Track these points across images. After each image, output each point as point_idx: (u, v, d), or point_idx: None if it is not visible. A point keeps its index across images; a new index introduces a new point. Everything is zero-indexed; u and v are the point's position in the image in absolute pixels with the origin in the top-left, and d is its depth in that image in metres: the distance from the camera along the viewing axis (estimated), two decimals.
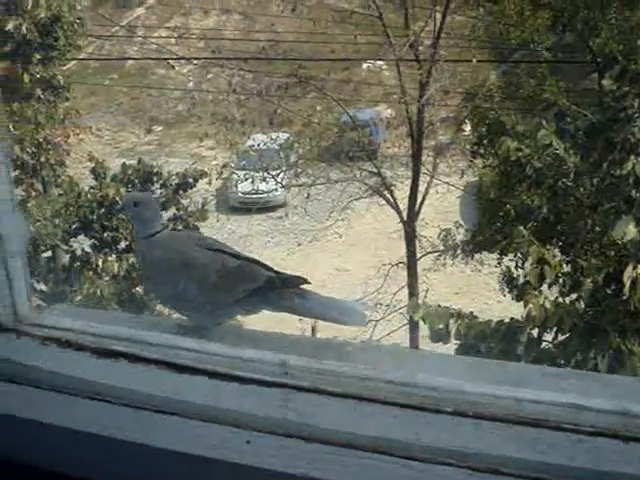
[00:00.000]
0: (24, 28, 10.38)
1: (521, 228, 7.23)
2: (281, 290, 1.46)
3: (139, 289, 9.70)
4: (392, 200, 12.99)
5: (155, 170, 10.81)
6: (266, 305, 1.49)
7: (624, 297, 6.36)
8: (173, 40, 17.78)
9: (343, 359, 1.38)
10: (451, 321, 7.61)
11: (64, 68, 12.00)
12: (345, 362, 1.35)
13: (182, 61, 18.35)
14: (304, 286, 1.48)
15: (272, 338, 1.66)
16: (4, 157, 1.30)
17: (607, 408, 1.06)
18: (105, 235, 9.86)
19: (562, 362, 7.23)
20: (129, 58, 18.77)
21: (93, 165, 10.36)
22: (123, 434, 1.01)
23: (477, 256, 12.50)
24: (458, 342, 7.72)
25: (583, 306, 7.07)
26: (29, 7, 10.48)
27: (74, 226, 10.18)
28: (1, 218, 1.27)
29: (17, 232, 1.31)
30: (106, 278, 9.53)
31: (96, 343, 1.20)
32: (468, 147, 12.27)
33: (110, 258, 9.63)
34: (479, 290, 15.34)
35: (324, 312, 1.45)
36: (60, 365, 1.13)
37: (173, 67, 19.42)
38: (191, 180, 11.17)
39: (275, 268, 1.51)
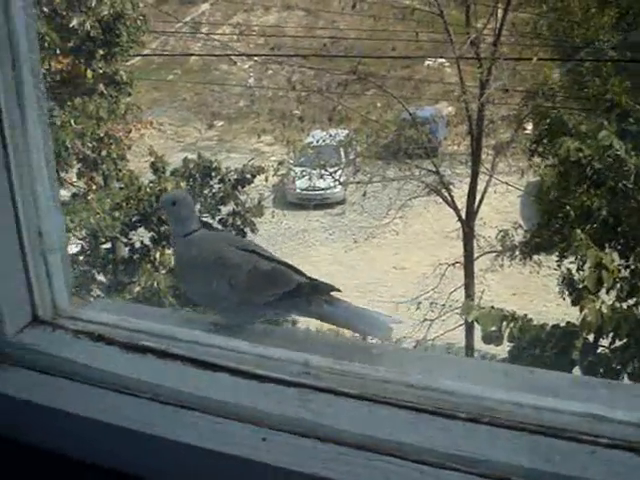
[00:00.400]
0: (88, 25, 10.62)
1: (578, 231, 7.10)
2: (310, 296, 1.47)
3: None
4: (450, 199, 12.90)
5: (214, 165, 10.94)
6: (295, 310, 1.50)
7: None
8: (235, 36, 17.94)
9: (368, 361, 1.40)
10: (504, 323, 7.53)
11: (127, 64, 12.24)
12: (369, 364, 1.38)
13: (244, 57, 18.51)
14: (335, 294, 1.49)
15: (304, 337, 1.68)
16: (49, 158, 1.35)
17: (626, 419, 1.05)
18: (163, 229, 10.02)
19: (618, 368, 7.10)
20: (192, 54, 19.02)
21: (153, 159, 10.55)
22: (148, 427, 1.05)
23: (535, 257, 12.30)
24: (511, 344, 7.64)
25: None
26: (93, 4, 10.72)
27: (134, 219, 10.37)
28: (42, 216, 1.32)
29: (57, 229, 1.37)
30: (163, 271, 9.69)
31: (127, 338, 1.24)
32: (528, 146, 12.08)
33: (167, 251, 9.79)
34: (537, 292, 15.10)
35: (351, 322, 1.45)
36: (91, 358, 1.18)
37: (235, 63, 19.61)
38: (249, 176, 11.27)
39: (307, 274, 1.52)
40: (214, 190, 10.97)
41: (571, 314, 9.92)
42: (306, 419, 1.02)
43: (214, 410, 1.05)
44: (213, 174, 10.83)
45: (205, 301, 1.60)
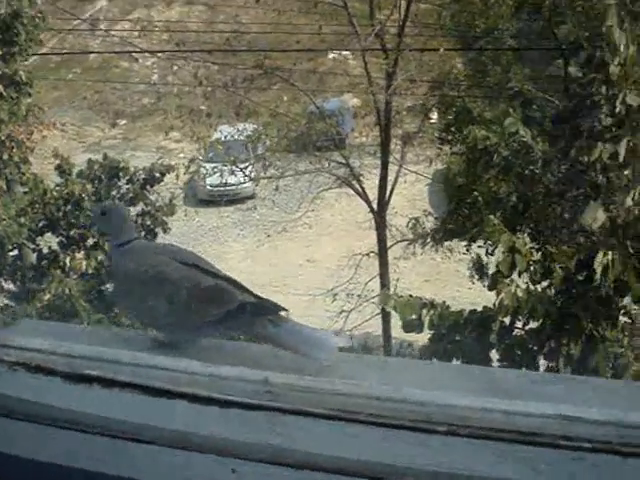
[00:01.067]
0: None
1: (492, 217, 7.25)
2: (254, 317, 1.40)
3: (108, 286, 9.57)
4: (361, 190, 12.99)
5: (121, 165, 10.66)
6: (238, 330, 1.43)
7: (595, 283, 6.40)
8: (136, 33, 17.53)
9: (323, 373, 1.35)
10: (423, 311, 7.62)
11: (26, 63, 11.78)
12: (325, 376, 1.32)
13: (145, 54, 18.13)
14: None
15: (255, 351, 1.61)
16: None
17: (601, 419, 1.03)
18: (72, 232, 9.71)
19: (535, 349, 7.28)
20: (91, 52, 18.49)
21: (58, 162, 10.19)
22: (99, 465, 0.96)
23: (447, 244, 12.54)
24: (431, 332, 7.74)
25: (554, 293, 7.12)
26: None
27: (40, 224, 10.00)
28: None
29: None
30: (74, 276, 9.39)
31: (68, 366, 1.14)
32: (436, 135, 12.29)
33: (78, 255, 9.49)
34: (449, 277, 15.43)
35: (294, 344, 1.38)
36: (31, 392, 1.07)
37: (137, 60, 19.19)
38: (158, 174, 11.04)
39: (254, 291, 1.45)
40: (122, 191, 10.69)
41: (483, 297, 10.16)
42: (277, 445, 0.95)
43: (174, 442, 0.97)
44: (120, 174, 10.56)
45: (141, 317, 1.51)
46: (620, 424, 1.04)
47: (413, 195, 17.25)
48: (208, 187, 16.45)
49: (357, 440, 0.96)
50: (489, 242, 8.57)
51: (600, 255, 6.39)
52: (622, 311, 6.96)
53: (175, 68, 17.34)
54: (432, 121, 13.78)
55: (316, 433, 0.97)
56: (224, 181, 13.89)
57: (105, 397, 1.05)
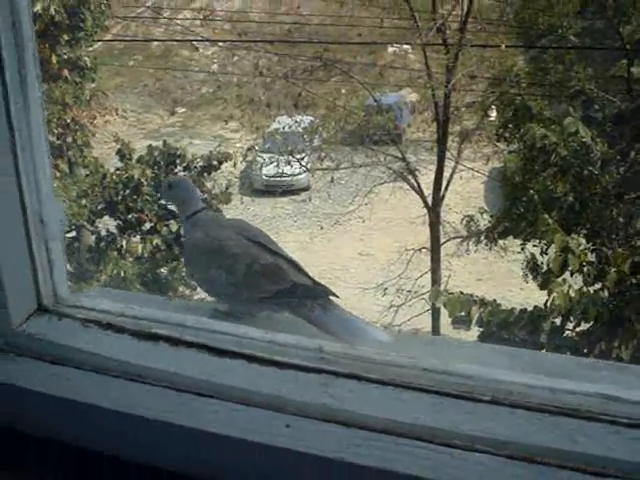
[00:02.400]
0: (52, 9, 10.42)
1: (546, 216, 7.19)
2: (304, 299, 1.44)
3: (163, 270, 9.77)
4: (416, 185, 12.96)
5: (179, 152, 10.85)
6: (289, 309, 1.47)
7: None
8: (198, 22, 17.76)
9: (377, 347, 1.40)
10: (473, 308, 7.60)
11: (90, 49, 12.06)
12: (387, 338, 1.37)
13: (206, 43, 18.34)
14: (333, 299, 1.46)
15: (307, 327, 1.67)
16: (47, 143, 1.31)
17: (635, 399, 1.07)
18: (130, 216, 9.92)
19: (585, 351, 7.21)
20: (153, 40, 18.78)
21: (119, 146, 10.42)
22: (166, 416, 1.03)
23: (501, 242, 12.43)
24: (480, 329, 7.72)
25: (607, 295, 7.03)
26: None
27: (100, 207, 10.25)
28: (43, 203, 1.29)
29: (57, 217, 1.34)
30: (130, 259, 9.60)
31: (136, 325, 1.22)
32: (494, 132, 12.18)
33: (134, 239, 9.70)
34: (502, 277, 15.28)
35: (339, 331, 1.39)
36: (101, 347, 1.15)
37: (197, 49, 19.42)
38: (215, 162, 11.20)
39: (310, 274, 1.49)
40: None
41: (535, 298, 10.06)
42: (329, 405, 1.01)
43: (234, 398, 1.04)
44: (178, 161, 10.74)
45: (204, 286, 1.58)
46: None
47: (468, 192, 17.11)
48: (264, 177, 16.57)
49: (405, 404, 1.02)
50: (543, 241, 8.50)
51: None
52: None
53: (235, 58, 17.51)
54: (491, 118, 13.66)
55: (366, 396, 1.03)
56: (280, 171, 14.00)
57: (172, 354, 1.13)
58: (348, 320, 1.44)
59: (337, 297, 1.45)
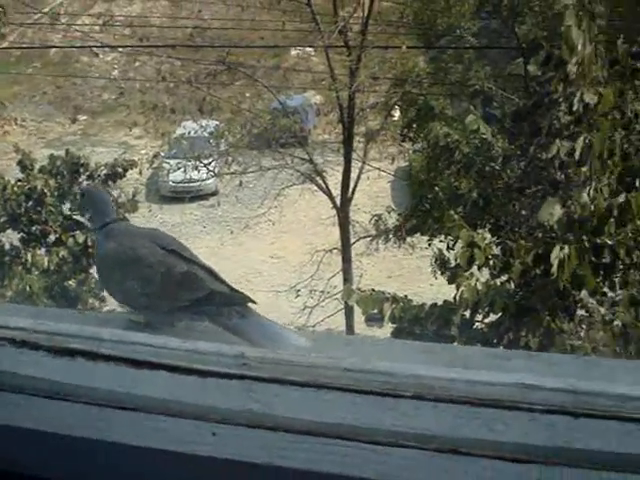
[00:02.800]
0: None
1: (451, 212, 7.37)
2: (222, 307, 1.43)
3: (71, 282, 9.52)
4: (324, 186, 13.07)
5: (83, 161, 10.59)
6: (207, 318, 1.46)
7: (552, 277, 6.55)
8: (97, 27, 17.39)
9: (293, 349, 1.41)
10: (385, 305, 7.72)
11: None
12: (305, 344, 1.39)
13: (106, 49, 17.98)
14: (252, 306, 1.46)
15: (225, 335, 1.66)
16: None
17: (556, 386, 1.11)
18: (34, 229, 9.63)
19: (494, 341, 7.43)
20: (52, 46, 18.27)
21: (20, 157, 10.08)
22: (87, 432, 1.01)
23: (409, 240, 12.68)
24: (393, 326, 7.85)
25: (513, 287, 7.27)
26: None
27: (1, 220, 9.89)
28: None
29: None
30: (36, 273, 9.31)
31: (51, 341, 1.19)
32: (398, 132, 12.41)
33: (39, 252, 9.41)
34: (411, 273, 15.60)
35: (258, 338, 1.39)
36: (17, 365, 1.12)
37: (97, 55, 19.02)
38: (120, 170, 10.98)
39: (227, 281, 1.49)
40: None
41: (444, 293, 10.31)
42: (254, 410, 1.01)
43: (157, 409, 1.03)
44: (82, 170, 10.48)
45: (119, 297, 1.55)
46: (573, 391, 1.12)
47: (375, 192, 17.37)
48: (171, 183, 16.37)
49: (329, 404, 1.03)
50: (450, 237, 8.71)
51: (557, 249, 6.54)
52: (579, 304, 7.13)
53: (137, 64, 17.24)
54: (394, 119, 13.92)
55: (291, 399, 1.04)
56: (188, 177, 13.87)
57: (89, 369, 1.11)
58: (266, 326, 1.45)
59: (255, 303, 1.45)
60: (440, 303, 7.46)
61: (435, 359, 1.37)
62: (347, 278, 12.97)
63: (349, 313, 12.23)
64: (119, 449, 1.01)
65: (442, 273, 10.99)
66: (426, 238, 10.36)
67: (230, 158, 12.92)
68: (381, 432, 0.98)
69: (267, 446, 0.97)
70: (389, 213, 13.57)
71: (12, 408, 1.08)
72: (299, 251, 15.10)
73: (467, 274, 6.84)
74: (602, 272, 6.95)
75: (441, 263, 10.78)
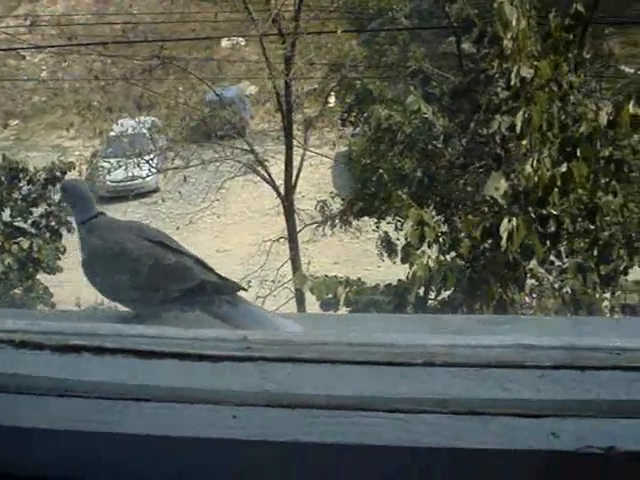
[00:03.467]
0: None
1: (399, 192, 7.44)
2: (213, 295, 1.44)
3: (17, 290, 9.32)
4: (267, 176, 13.04)
5: (21, 166, 10.35)
6: (199, 307, 1.46)
7: (502, 249, 6.68)
8: (22, 29, 16.94)
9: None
10: (339, 289, 7.76)
11: None
12: (297, 329, 1.40)
13: (33, 50, 17.54)
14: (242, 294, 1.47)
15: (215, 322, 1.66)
16: None
17: (554, 344, 1.15)
18: None
19: None
20: None
21: None
22: (102, 427, 1.00)
23: (355, 224, 12.75)
24: (348, 309, 7.90)
25: (464, 262, 7.38)
26: None
27: None
28: None
29: None
30: None
31: (51, 340, 1.17)
32: (337, 118, 12.43)
33: None
34: (358, 258, 15.68)
35: (249, 326, 1.41)
36: (21, 366, 1.10)
37: (24, 57, 18.55)
38: (59, 173, 10.77)
39: (215, 269, 1.49)
40: (24, 192, 10.39)
41: (392, 274, 10.40)
42: (270, 390, 1.02)
43: (173, 398, 1.03)
44: (21, 175, 10.24)
45: (108, 293, 1.54)
46: (571, 348, 1.16)
47: (317, 179, 17.40)
48: (108, 183, 16.10)
49: (343, 378, 1.05)
50: (398, 217, 8.80)
51: (505, 222, 6.65)
52: (529, 274, 7.29)
53: (65, 63, 16.87)
54: (330, 105, 13.95)
55: (305, 376, 1.05)
56: (128, 175, 13.68)
57: (97, 364, 1.10)
58: (257, 313, 1.46)
59: (245, 290, 1.46)
60: (394, 284, 7.53)
61: (427, 328, 1.40)
62: (296, 266, 12.99)
63: (301, 300, 12.25)
64: (137, 441, 1.00)
65: (389, 255, 11.08)
66: (374, 221, 10.44)
67: (172, 153, 12.78)
68: (398, 400, 1.00)
69: (289, 424, 0.97)
70: (333, 198, 13.61)
71: (21, 410, 1.06)
72: (246, 243, 15.05)
73: (419, 252, 6.92)
74: (549, 241, 7.11)
75: (387, 245, 10.87)
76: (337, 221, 13.05)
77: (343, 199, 13.13)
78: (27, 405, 1.06)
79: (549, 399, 0.99)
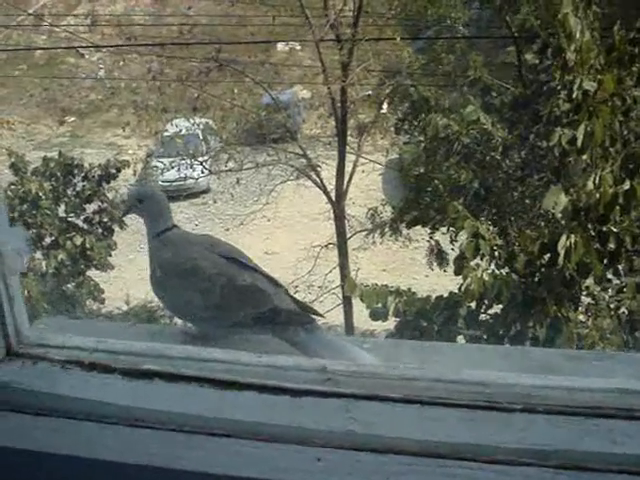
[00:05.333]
0: None
1: (455, 203, 7.30)
2: (287, 324, 1.38)
3: (69, 286, 9.41)
4: (319, 181, 12.98)
5: (76, 162, 10.46)
6: (271, 333, 1.39)
7: (559, 266, 6.50)
8: (81, 28, 17.20)
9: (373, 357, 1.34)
10: (389, 299, 7.65)
11: None
12: (374, 361, 1.32)
13: (91, 49, 17.79)
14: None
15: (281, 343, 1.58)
16: None
17: None
18: (30, 232, 9.51)
19: (501, 332, 7.38)
20: (37, 48, 18.06)
21: (12, 160, 9.94)
22: (179, 463, 0.94)
23: (405, 232, 12.62)
24: (397, 319, 7.79)
25: (518, 277, 7.21)
26: None
27: None
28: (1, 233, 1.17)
29: (16, 246, 1.22)
30: (33, 277, 9.19)
31: (120, 362, 1.11)
32: (391, 125, 12.33)
33: (37, 256, 9.29)
34: (406, 266, 15.54)
35: (324, 354, 1.35)
36: (90, 391, 1.05)
37: (83, 56, 18.83)
38: (113, 171, 10.86)
39: (291, 293, 1.42)
40: (78, 188, 10.50)
41: (440, 284, 10.26)
42: (356, 431, 0.95)
43: (252, 434, 0.96)
44: (76, 171, 10.35)
45: (176, 309, 1.47)
46: None
47: (367, 185, 17.30)
48: (160, 182, 16.23)
49: (435, 422, 0.97)
50: (452, 229, 8.65)
51: (563, 238, 6.48)
52: (585, 292, 7.09)
53: (122, 63, 17.07)
54: (382, 111, 13.86)
55: (395, 417, 0.97)
56: (180, 176, 13.76)
57: (172, 392, 1.04)
58: (333, 343, 1.38)
59: (322, 317, 1.39)
60: (445, 295, 7.39)
61: (516, 364, 1.31)
62: (344, 273, 12.91)
63: (348, 308, 12.17)
64: (213, 479, 0.93)
65: (439, 264, 10.93)
66: (427, 230, 10.30)
67: (225, 155, 12.80)
68: (499, 450, 0.91)
69: (379, 471, 0.90)
70: (384, 206, 13.51)
71: (86, 438, 1.00)
72: (295, 247, 15.02)
73: (473, 264, 6.78)
74: (607, 259, 6.91)
75: (438, 255, 10.72)
76: (387, 229, 12.95)
77: (394, 207, 13.01)
78: (93, 433, 1.00)
79: None
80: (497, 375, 1.12)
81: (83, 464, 0.97)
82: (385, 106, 13.73)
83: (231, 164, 12.82)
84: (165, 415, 1.00)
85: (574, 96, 7.11)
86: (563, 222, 6.83)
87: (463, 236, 7.21)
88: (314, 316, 1.40)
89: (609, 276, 7.34)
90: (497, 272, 7.13)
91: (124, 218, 10.98)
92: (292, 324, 1.36)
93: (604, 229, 6.65)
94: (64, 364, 1.10)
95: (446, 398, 1.00)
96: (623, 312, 7.25)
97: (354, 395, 1.00)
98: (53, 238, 9.57)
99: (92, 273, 10.04)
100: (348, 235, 13.26)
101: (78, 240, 9.41)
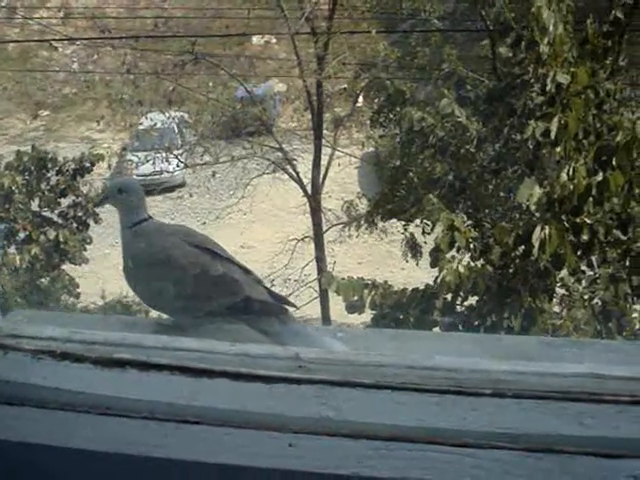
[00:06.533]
0: None
1: (430, 196, 7.33)
2: (261, 314, 1.38)
3: (43, 280, 9.33)
4: (295, 174, 12.97)
5: (50, 156, 10.36)
6: (245, 323, 1.39)
7: (533, 258, 6.56)
8: (54, 20, 17.01)
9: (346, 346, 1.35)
10: (365, 292, 7.68)
11: None
12: (349, 349, 1.33)
13: (65, 42, 17.61)
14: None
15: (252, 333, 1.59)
16: None
17: (629, 375, 1.07)
18: (2, 227, 9.42)
19: (477, 323, 7.43)
20: (10, 41, 17.85)
21: None
22: (151, 450, 0.94)
23: (381, 225, 12.65)
24: (373, 312, 7.82)
25: (494, 268, 7.26)
26: None
27: None
28: None
29: None
30: (6, 272, 9.11)
31: (93, 351, 1.11)
32: (367, 118, 12.35)
33: (10, 251, 9.21)
34: (382, 259, 15.60)
35: (297, 344, 1.34)
36: (62, 381, 1.04)
37: (56, 49, 18.64)
38: (88, 165, 10.77)
39: (264, 283, 1.42)
40: (52, 182, 10.41)
41: (415, 277, 10.30)
42: (330, 417, 0.95)
43: (224, 421, 0.96)
44: (50, 165, 10.26)
45: (149, 300, 1.47)
46: None
47: (343, 178, 17.32)
48: (135, 176, 16.12)
49: (406, 407, 0.98)
50: (427, 221, 8.69)
51: (537, 230, 6.53)
52: (559, 284, 7.16)
53: (96, 56, 16.93)
54: (358, 104, 13.87)
55: (366, 403, 0.98)
56: (154, 170, 13.68)
57: (144, 381, 1.04)
58: (306, 333, 1.39)
59: (296, 308, 1.39)
60: (421, 288, 7.43)
61: (488, 351, 1.32)
62: (321, 266, 12.92)
63: (324, 300, 12.19)
64: (186, 466, 0.94)
65: (414, 257, 10.96)
66: (400, 223, 10.35)
67: (201, 149, 12.75)
68: (468, 434, 0.93)
69: (351, 456, 0.91)
70: (360, 199, 13.53)
71: (60, 427, 1.00)
72: (271, 240, 15.01)
73: (449, 257, 6.82)
74: (581, 251, 6.98)
75: (413, 247, 10.76)
76: (363, 222, 12.97)
77: (369, 200, 13.05)
78: (67, 422, 1.00)
79: (625, 437, 0.92)
80: (468, 361, 1.13)
81: (56, 453, 0.97)
82: (361, 99, 13.76)
83: (207, 157, 12.78)
84: (138, 403, 1.00)
85: (548, 89, 7.17)
86: (537, 214, 6.89)
87: (439, 228, 7.24)
88: (288, 307, 1.40)
89: (583, 267, 7.42)
90: (472, 264, 7.17)
91: (98, 211, 10.92)
92: (265, 314, 1.36)
93: (578, 221, 6.71)
94: (36, 354, 1.10)
95: (417, 384, 1.01)
96: (596, 303, 7.34)
97: (327, 382, 1.01)
98: (27, 232, 9.49)
99: (67, 267, 9.97)
100: (324, 228, 13.28)
101: (52, 234, 9.33)
